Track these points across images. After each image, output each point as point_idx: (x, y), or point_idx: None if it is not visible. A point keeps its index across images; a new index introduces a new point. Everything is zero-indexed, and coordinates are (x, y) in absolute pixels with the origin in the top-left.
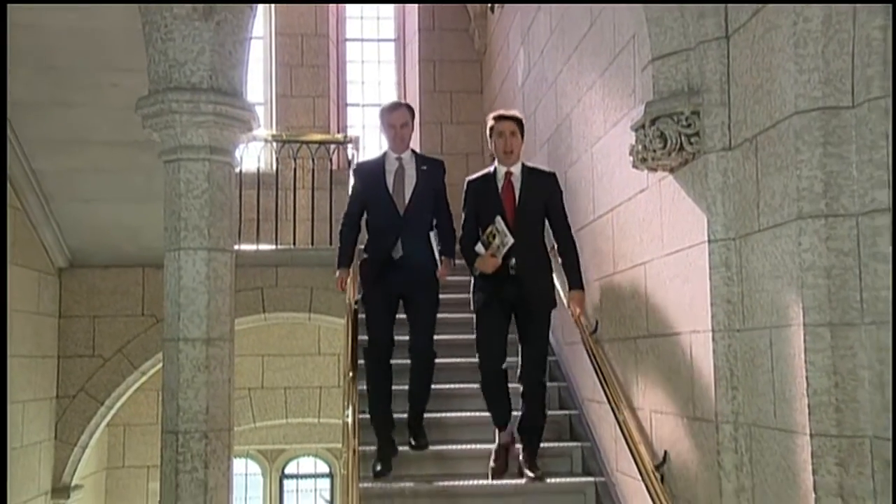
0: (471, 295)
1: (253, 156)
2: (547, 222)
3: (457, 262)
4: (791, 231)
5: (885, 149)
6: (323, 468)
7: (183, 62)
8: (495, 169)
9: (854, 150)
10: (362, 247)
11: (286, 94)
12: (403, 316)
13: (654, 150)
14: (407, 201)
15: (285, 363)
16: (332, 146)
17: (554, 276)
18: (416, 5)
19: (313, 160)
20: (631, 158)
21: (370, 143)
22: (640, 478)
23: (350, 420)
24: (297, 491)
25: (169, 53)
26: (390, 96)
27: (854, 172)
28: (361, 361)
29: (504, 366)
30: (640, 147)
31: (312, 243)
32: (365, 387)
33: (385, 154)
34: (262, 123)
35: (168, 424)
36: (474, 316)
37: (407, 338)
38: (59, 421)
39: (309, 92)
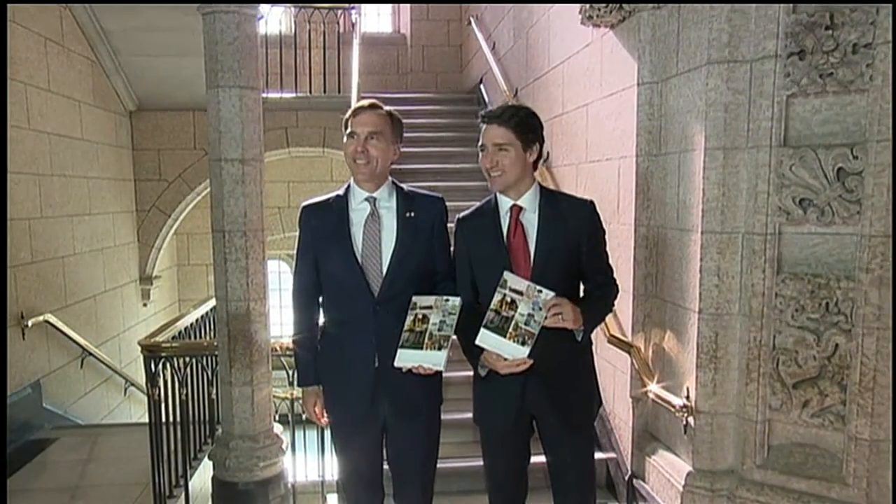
0: (474, 402)
1: (275, 21)
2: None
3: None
4: (701, 75)
5: (777, 5)
6: None
7: None
8: (496, 199)
9: (754, 7)
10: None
11: None
12: None
13: (599, 9)
14: (384, 274)
15: (306, 188)
16: (339, 11)
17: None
18: None
19: (324, 24)
20: (580, 17)
21: (370, 9)
22: None
23: None
24: None
25: None
26: None
27: (752, 26)
28: None
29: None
30: (587, 6)
31: (325, 91)
32: None
33: (348, 190)
34: None
35: (216, 225)
36: (480, 432)
37: None
38: (139, 228)
39: None
